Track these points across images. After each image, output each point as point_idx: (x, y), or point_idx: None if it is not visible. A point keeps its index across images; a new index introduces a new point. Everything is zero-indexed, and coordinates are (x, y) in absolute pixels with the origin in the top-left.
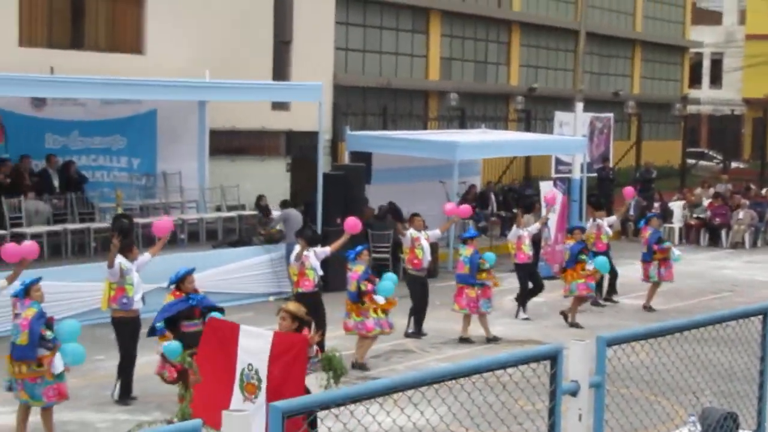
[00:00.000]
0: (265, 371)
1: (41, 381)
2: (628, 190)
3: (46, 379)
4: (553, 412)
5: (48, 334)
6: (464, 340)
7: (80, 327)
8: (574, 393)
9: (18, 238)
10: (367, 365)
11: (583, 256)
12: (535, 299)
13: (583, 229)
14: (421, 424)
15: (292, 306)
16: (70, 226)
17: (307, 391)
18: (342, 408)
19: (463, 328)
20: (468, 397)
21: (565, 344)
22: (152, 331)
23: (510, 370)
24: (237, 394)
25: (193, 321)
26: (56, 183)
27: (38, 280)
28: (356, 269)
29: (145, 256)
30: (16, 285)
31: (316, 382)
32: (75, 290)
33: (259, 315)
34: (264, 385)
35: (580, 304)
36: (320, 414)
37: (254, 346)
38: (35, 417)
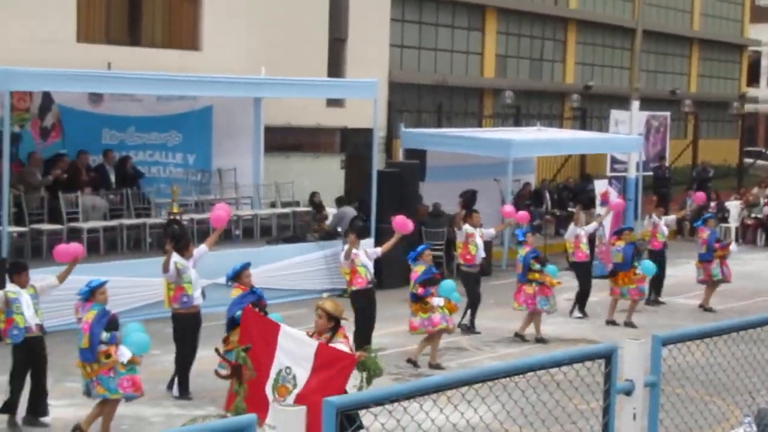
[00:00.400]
0: (305, 379)
1: (114, 373)
2: (700, 196)
3: (119, 371)
4: (607, 411)
5: (104, 336)
6: (519, 336)
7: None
8: (628, 392)
9: (75, 233)
10: (419, 363)
11: (635, 262)
12: (590, 298)
13: (631, 230)
14: (475, 421)
15: (329, 305)
16: (126, 222)
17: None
18: (396, 404)
19: (521, 325)
20: (522, 395)
21: (619, 343)
22: (232, 322)
23: (564, 369)
24: (268, 393)
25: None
26: (113, 178)
27: (104, 283)
28: (416, 269)
29: (201, 248)
30: (70, 280)
31: (350, 382)
32: (131, 285)
33: (311, 311)
34: (296, 392)
35: (636, 305)
36: (374, 410)
37: (296, 351)
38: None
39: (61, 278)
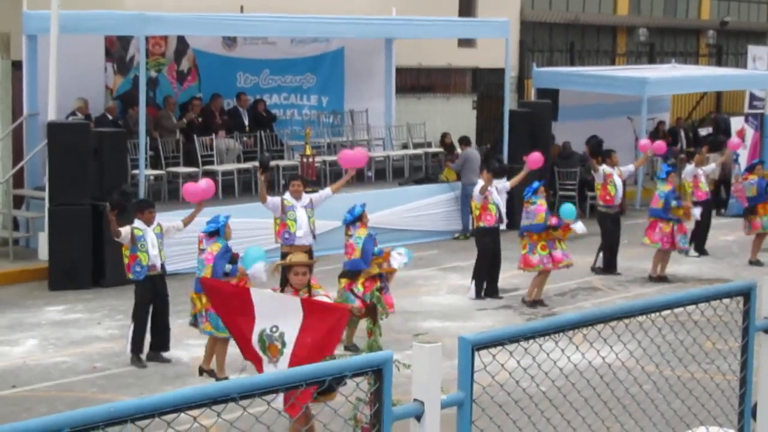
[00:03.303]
0: (294, 338)
1: None
2: None
3: None
4: (745, 349)
5: (228, 267)
6: (654, 279)
7: (264, 253)
8: (767, 330)
9: (209, 176)
10: (545, 301)
11: None
12: (726, 237)
13: (763, 164)
14: (611, 359)
15: (299, 257)
16: None
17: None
18: (531, 342)
19: (653, 266)
20: (658, 333)
21: (758, 281)
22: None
23: (702, 307)
24: (259, 352)
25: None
26: (246, 121)
27: (227, 218)
28: (540, 203)
29: (325, 191)
30: (197, 222)
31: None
32: (263, 227)
33: (444, 252)
34: (288, 350)
35: (761, 242)
36: (510, 347)
37: (278, 310)
38: (233, 348)
39: (186, 222)
